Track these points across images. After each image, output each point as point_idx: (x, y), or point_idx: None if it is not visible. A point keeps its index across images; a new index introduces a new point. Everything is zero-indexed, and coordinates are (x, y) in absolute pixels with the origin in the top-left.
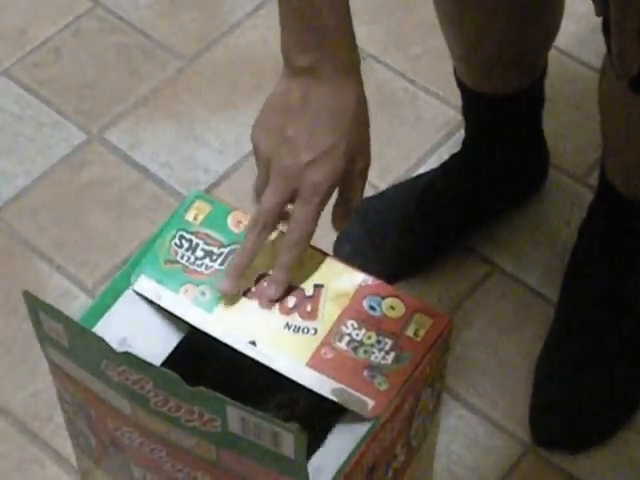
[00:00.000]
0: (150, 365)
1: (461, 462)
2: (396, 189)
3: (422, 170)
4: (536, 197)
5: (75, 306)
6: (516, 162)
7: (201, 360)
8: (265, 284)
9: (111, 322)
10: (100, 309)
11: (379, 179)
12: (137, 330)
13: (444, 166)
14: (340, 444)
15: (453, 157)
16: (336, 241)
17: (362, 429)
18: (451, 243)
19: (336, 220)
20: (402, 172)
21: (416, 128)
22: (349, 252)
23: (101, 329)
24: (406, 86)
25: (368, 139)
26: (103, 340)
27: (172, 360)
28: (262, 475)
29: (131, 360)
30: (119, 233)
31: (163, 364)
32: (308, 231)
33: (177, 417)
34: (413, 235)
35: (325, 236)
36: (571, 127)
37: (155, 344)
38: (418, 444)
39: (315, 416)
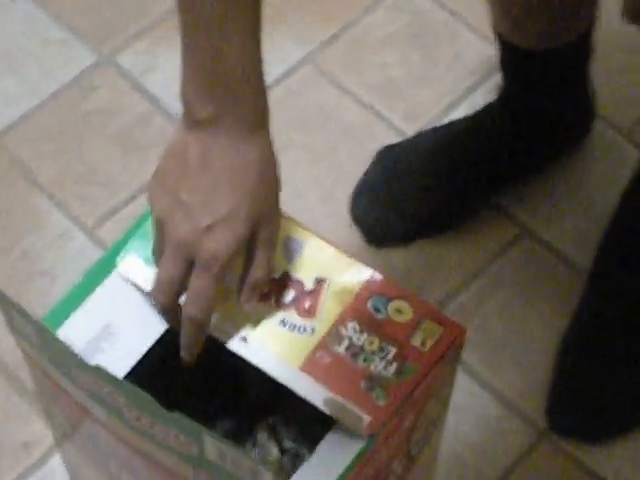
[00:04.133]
0: (121, 382)
1: (468, 444)
2: (422, 137)
3: (453, 116)
4: (576, 153)
5: (73, 248)
6: (556, 114)
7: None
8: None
9: (94, 306)
10: (83, 290)
11: (405, 122)
12: (122, 316)
13: (477, 116)
14: (329, 462)
15: (487, 107)
16: (354, 191)
17: (354, 448)
18: (479, 201)
19: (240, 296)
20: (431, 116)
21: (452, 68)
22: (366, 203)
23: (83, 313)
24: (446, 18)
25: (275, 204)
26: (73, 352)
27: (156, 350)
28: None
29: (102, 374)
30: (123, 169)
31: (147, 354)
32: (206, 304)
33: (152, 434)
34: (438, 189)
35: (341, 184)
36: (622, 75)
37: (140, 332)
38: (419, 452)
39: (306, 421)
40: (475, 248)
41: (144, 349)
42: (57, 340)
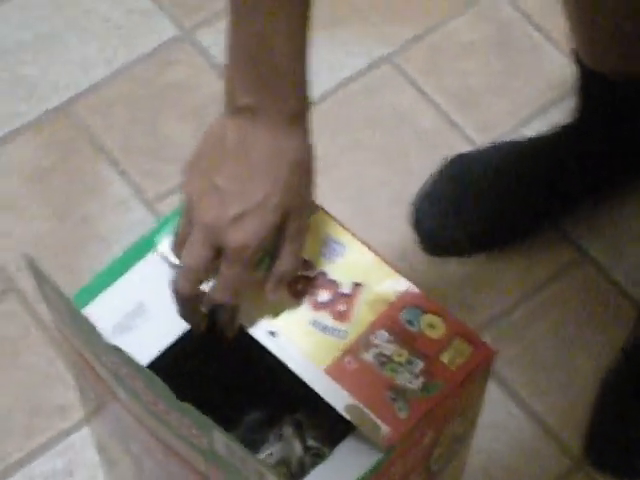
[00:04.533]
0: (138, 365)
1: (500, 463)
2: (493, 149)
3: (527, 130)
4: None
5: (131, 218)
6: (630, 143)
7: (218, 341)
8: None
9: (130, 282)
10: (121, 266)
11: (478, 132)
12: (156, 297)
13: (550, 135)
14: (342, 470)
15: (561, 127)
16: (416, 195)
17: (370, 459)
18: (542, 221)
19: (266, 287)
20: (504, 129)
21: (531, 82)
22: (428, 209)
23: (118, 288)
24: (530, 32)
25: (309, 196)
26: (96, 329)
27: (188, 336)
28: None
29: (121, 355)
30: (192, 148)
31: (179, 340)
32: (236, 293)
33: (168, 421)
34: (502, 204)
35: (408, 187)
36: None
37: (172, 316)
38: (441, 468)
39: (331, 422)
40: (532, 268)
41: (174, 336)
42: (81, 316)
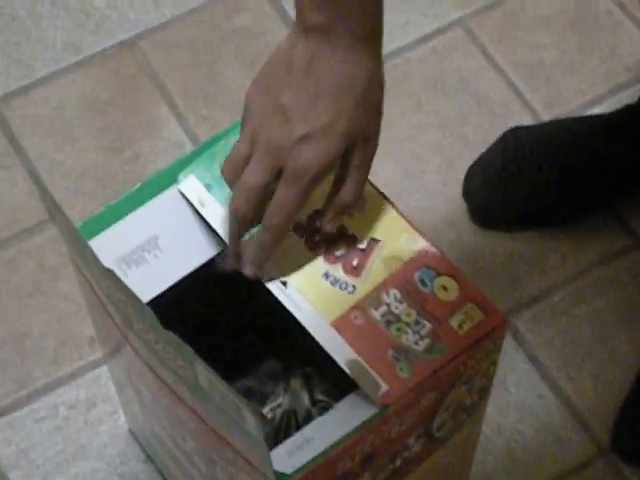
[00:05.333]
0: (128, 290)
1: (524, 444)
2: (554, 125)
3: (595, 110)
4: None
5: None
6: None
7: (226, 284)
8: (317, 223)
9: (147, 215)
10: (140, 197)
11: (543, 107)
12: (171, 232)
13: (614, 116)
14: (338, 423)
15: (627, 108)
16: (471, 165)
17: (364, 415)
18: (598, 203)
19: (323, 217)
20: (572, 106)
21: (607, 61)
22: (480, 180)
23: (134, 219)
24: (611, 8)
25: (376, 126)
26: (92, 252)
27: (197, 276)
28: (231, 438)
29: (113, 278)
30: None
31: (187, 277)
32: (289, 216)
33: (156, 350)
34: (557, 181)
35: (463, 155)
36: None
37: (185, 254)
38: (445, 436)
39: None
40: (581, 250)
41: (184, 272)
42: (81, 239)
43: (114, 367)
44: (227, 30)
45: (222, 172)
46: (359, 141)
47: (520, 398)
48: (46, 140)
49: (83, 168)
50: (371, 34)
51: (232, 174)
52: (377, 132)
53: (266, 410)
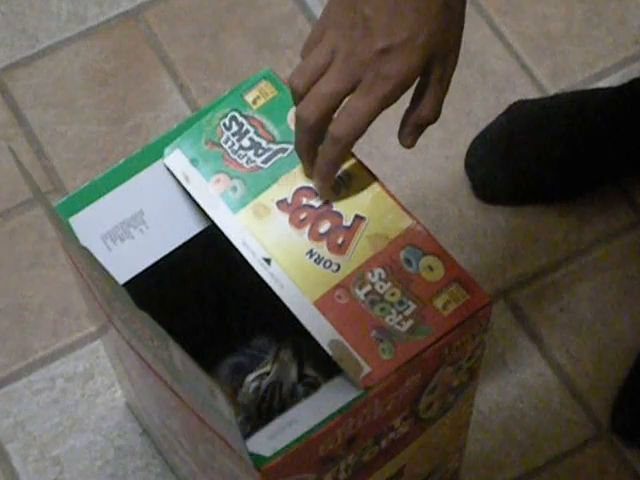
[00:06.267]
0: (103, 269)
1: (523, 423)
2: (559, 98)
3: (602, 83)
4: None
5: None
6: None
7: (211, 260)
8: (303, 199)
9: (132, 190)
10: (124, 172)
11: (549, 80)
12: (158, 207)
13: (622, 89)
14: (320, 406)
15: (635, 81)
16: (474, 139)
17: (346, 397)
18: (603, 179)
19: (401, 133)
20: (578, 79)
21: (614, 32)
22: (483, 154)
23: (119, 195)
24: None
25: (456, 41)
26: (71, 230)
27: (183, 252)
28: (208, 419)
29: (88, 257)
30: (252, 66)
31: (172, 252)
32: (357, 127)
33: (136, 330)
34: (562, 156)
35: (466, 129)
36: None
37: (171, 229)
38: (433, 417)
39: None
40: (585, 226)
41: (169, 249)
42: (58, 217)
43: (106, 342)
44: (231, 1)
45: (290, 83)
46: (439, 56)
47: (520, 376)
48: (49, 111)
49: (85, 139)
50: None
51: (303, 84)
52: (458, 46)
53: (253, 376)
